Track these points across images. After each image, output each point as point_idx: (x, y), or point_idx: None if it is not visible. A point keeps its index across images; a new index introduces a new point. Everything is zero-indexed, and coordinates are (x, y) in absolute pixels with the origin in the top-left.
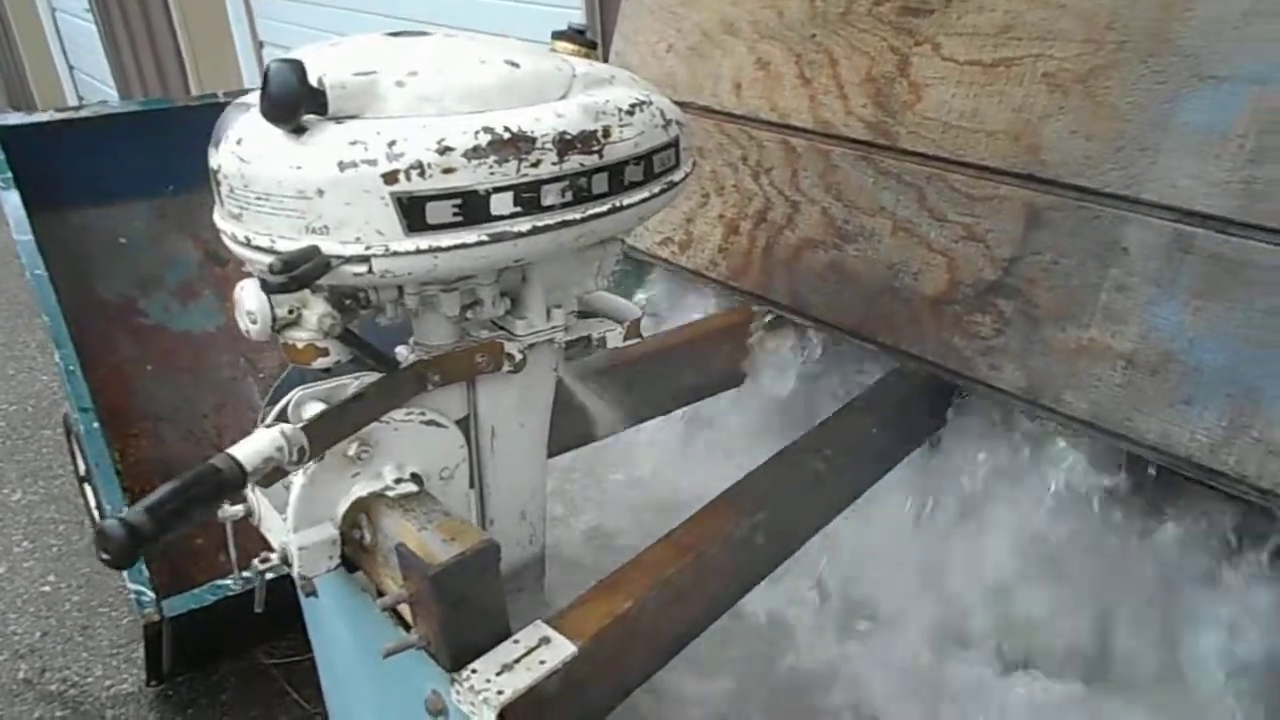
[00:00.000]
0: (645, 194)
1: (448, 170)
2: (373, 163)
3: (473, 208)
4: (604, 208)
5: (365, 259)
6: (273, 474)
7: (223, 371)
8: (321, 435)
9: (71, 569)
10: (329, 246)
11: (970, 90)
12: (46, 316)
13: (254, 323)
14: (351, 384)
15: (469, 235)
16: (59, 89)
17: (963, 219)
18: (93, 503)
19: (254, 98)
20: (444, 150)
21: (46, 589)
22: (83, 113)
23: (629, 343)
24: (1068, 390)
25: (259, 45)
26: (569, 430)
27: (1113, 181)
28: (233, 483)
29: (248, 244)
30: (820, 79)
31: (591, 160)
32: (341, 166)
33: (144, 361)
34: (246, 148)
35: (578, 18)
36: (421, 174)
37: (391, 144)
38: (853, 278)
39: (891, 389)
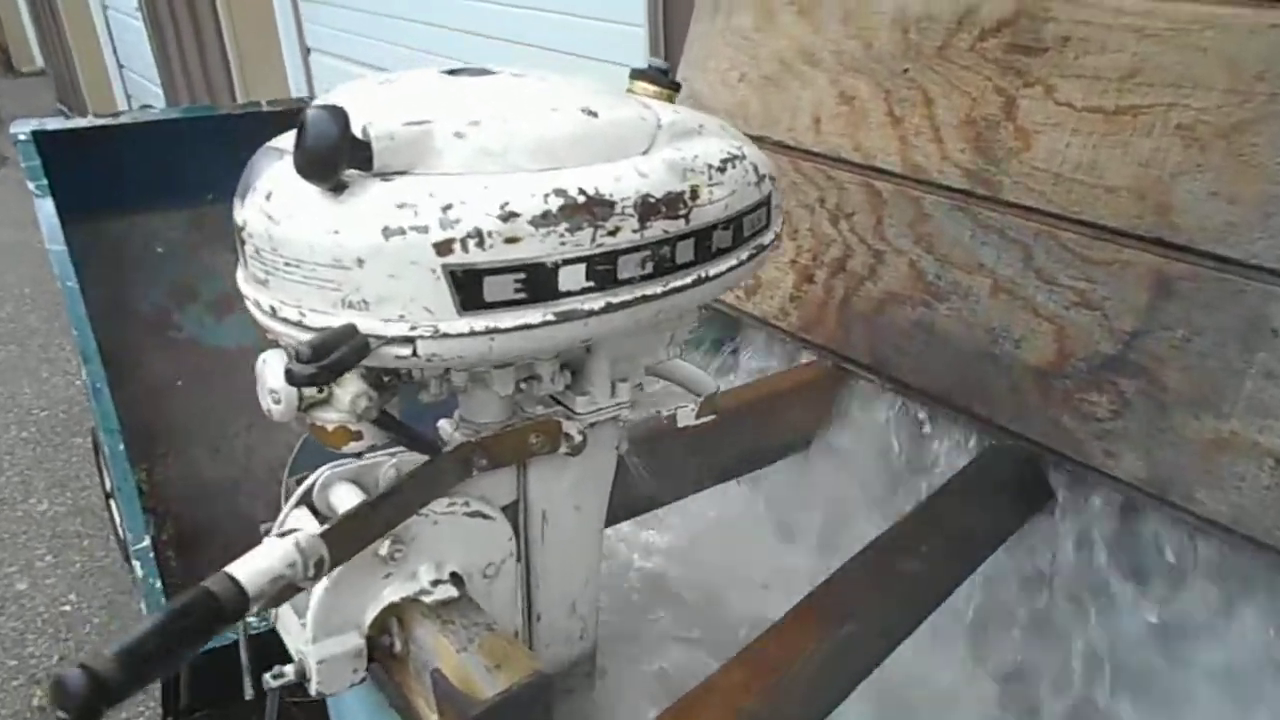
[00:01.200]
0: (733, 261)
1: (511, 240)
2: (423, 230)
3: (538, 283)
4: (688, 279)
5: (409, 340)
6: (285, 592)
7: (255, 389)
8: (346, 542)
9: (93, 589)
10: (367, 324)
11: (1089, 140)
12: (75, 330)
13: (277, 403)
14: (386, 462)
15: (532, 315)
16: (109, 87)
17: (1076, 283)
18: (118, 519)
19: (287, 141)
20: (508, 216)
21: (67, 608)
22: (122, 120)
23: (701, 420)
24: (1202, 488)
25: (306, 51)
26: (625, 499)
27: (1261, 252)
28: (232, 612)
29: (273, 314)
30: (912, 118)
31: (677, 226)
32: (386, 233)
33: (175, 377)
34: (276, 204)
35: (639, 35)
36: (480, 244)
37: (446, 208)
38: (944, 340)
39: (990, 469)
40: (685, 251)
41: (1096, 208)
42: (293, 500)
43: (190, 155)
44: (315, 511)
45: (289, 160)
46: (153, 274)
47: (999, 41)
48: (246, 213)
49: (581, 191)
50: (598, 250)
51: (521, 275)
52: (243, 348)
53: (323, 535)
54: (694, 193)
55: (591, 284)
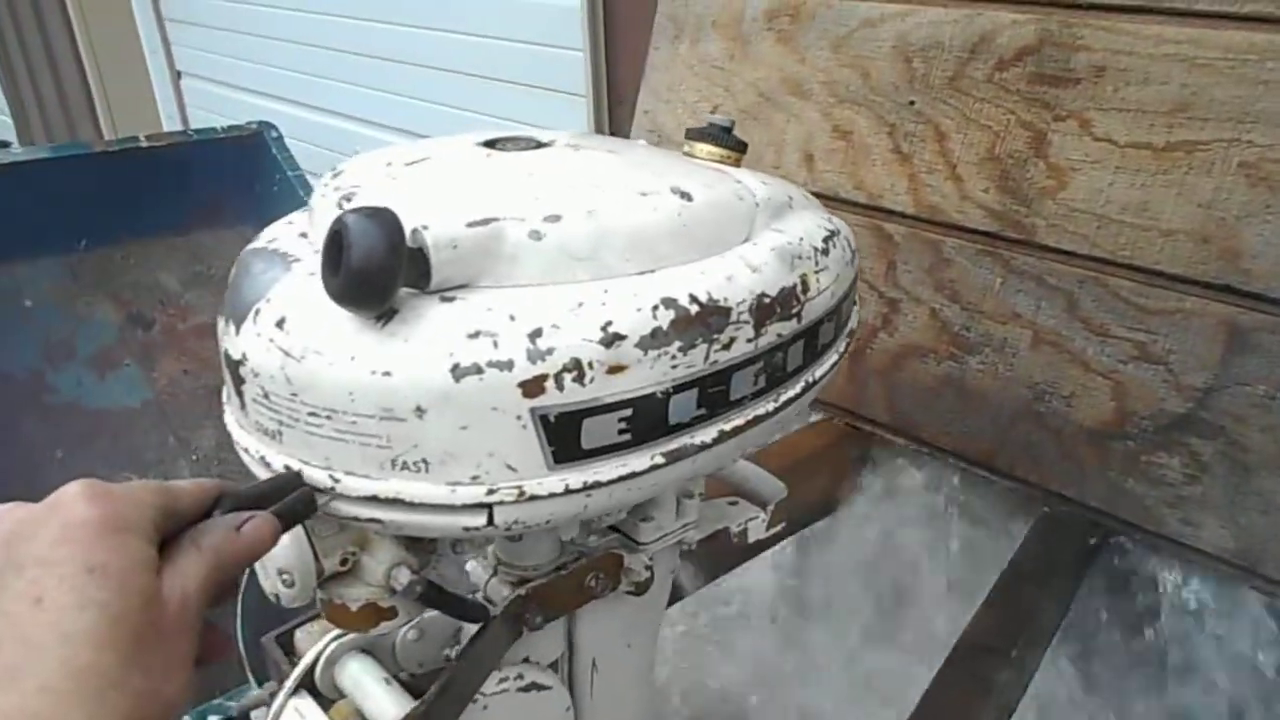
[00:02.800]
0: (834, 357)
1: (615, 369)
2: (506, 365)
3: (646, 419)
4: (797, 389)
5: (484, 508)
6: None
7: (148, 454)
8: None
9: None
10: (425, 491)
11: (1136, 179)
12: None
13: (289, 585)
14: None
15: (638, 460)
16: None
17: (1133, 335)
18: None
19: (284, 241)
20: (611, 340)
21: None
22: None
23: (772, 532)
24: None
25: (177, 76)
26: None
27: None
28: None
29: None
30: (923, 155)
31: (789, 327)
32: (457, 373)
33: (53, 446)
34: (297, 336)
35: (578, 59)
36: (579, 378)
37: (534, 335)
38: (978, 397)
39: (1049, 543)
40: (796, 356)
41: (1150, 252)
42: (289, 684)
43: (60, 198)
44: (318, 694)
45: (300, 273)
46: (22, 331)
47: (1021, 71)
48: (245, 343)
49: (693, 299)
50: (711, 370)
51: (627, 413)
52: (129, 409)
53: None
54: (804, 284)
55: (703, 411)
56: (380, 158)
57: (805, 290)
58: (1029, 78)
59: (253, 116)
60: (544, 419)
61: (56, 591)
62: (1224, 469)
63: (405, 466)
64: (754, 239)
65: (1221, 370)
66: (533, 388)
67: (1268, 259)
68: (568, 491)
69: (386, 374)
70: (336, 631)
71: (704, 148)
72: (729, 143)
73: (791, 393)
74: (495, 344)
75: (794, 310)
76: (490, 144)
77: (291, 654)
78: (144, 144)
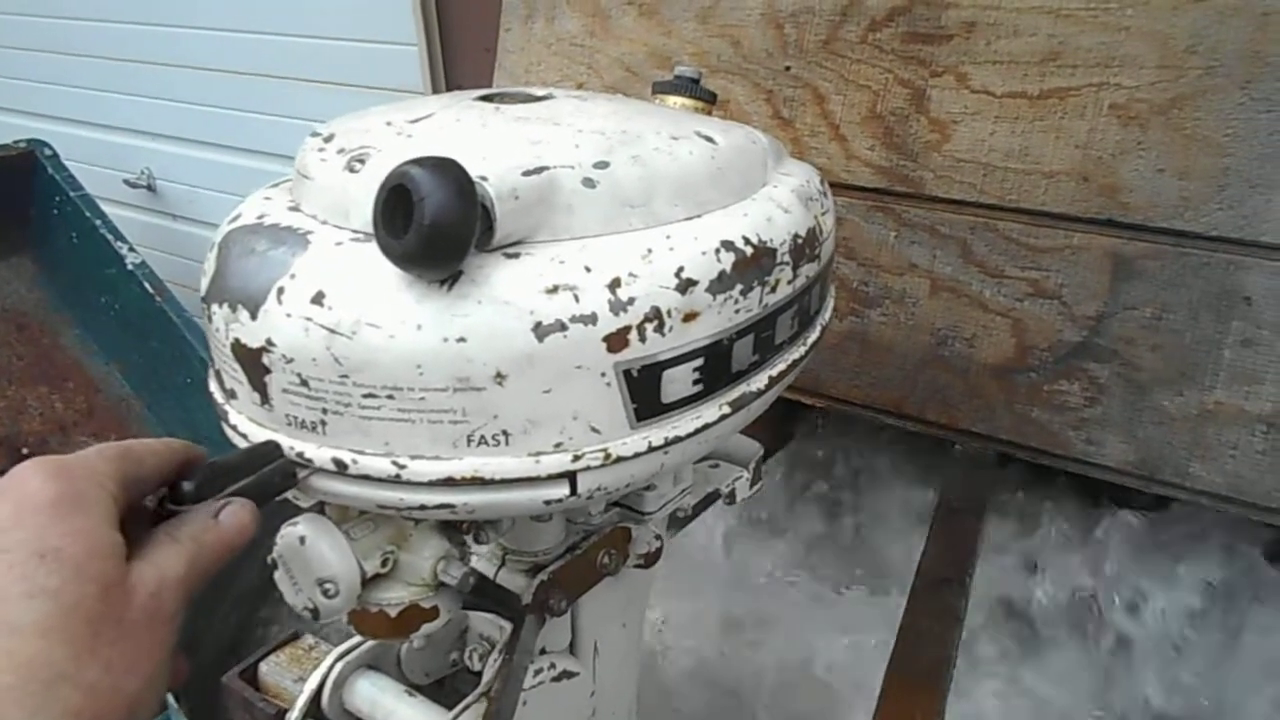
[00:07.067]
0: (831, 298)
1: (690, 316)
2: (589, 320)
3: (715, 367)
4: (817, 330)
5: (567, 476)
6: None
7: None
8: None
9: None
10: (506, 465)
11: (1016, 126)
12: None
13: (331, 595)
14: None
15: (709, 410)
16: None
17: (1026, 274)
18: None
19: (278, 215)
20: (685, 286)
21: None
22: None
23: (755, 489)
24: (1194, 462)
25: None
26: None
27: (1221, 223)
28: None
29: (342, 472)
30: (805, 118)
31: (814, 268)
32: (539, 331)
33: None
34: (343, 310)
35: (411, 54)
36: (660, 328)
37: (613, 285)
38: (882, 348)
39: (973, 476)
40: (816, 298)
41: (1036, 194)
42: (295, 716)
43: None
44: None
45: (324, 242)
46: None
47: (894, 31)
48: (269, 327)
49: (747, 241)
50: (762, 313)
51: (700, 362)
52: None
53: None
54: (820, 225)
55: (757, 357)
56: (372, 118)
57: (820, 231)
58: (902, 37)
59: (18, 138)
60: (627, 374)
61: (4, 580)
62: (1120, 389)
63: (483, 441)
64: (770, 182)
65: (1111, 298)
66: (616, 341)
67: (1144, 192)
68: (650, 450)
69: (461, 340)
70: (339, 650)
71: (676, 100)
72: (700, 93)
73: (814, 336)
74: (576, 298)
75: (815, 251)
76: (487, 98)
77: (259, 690)
78: None
